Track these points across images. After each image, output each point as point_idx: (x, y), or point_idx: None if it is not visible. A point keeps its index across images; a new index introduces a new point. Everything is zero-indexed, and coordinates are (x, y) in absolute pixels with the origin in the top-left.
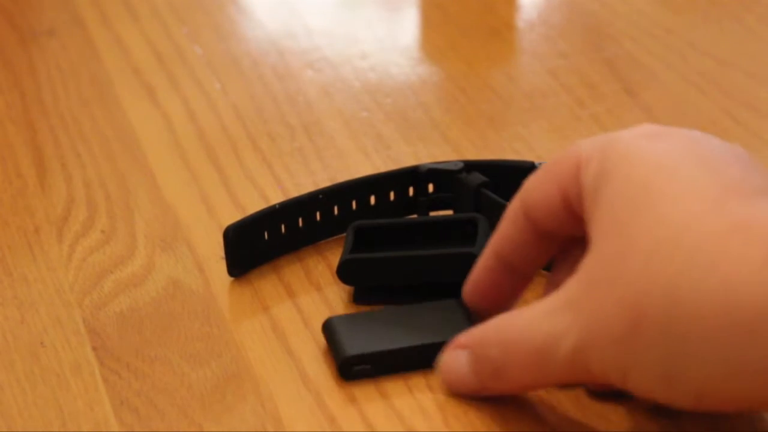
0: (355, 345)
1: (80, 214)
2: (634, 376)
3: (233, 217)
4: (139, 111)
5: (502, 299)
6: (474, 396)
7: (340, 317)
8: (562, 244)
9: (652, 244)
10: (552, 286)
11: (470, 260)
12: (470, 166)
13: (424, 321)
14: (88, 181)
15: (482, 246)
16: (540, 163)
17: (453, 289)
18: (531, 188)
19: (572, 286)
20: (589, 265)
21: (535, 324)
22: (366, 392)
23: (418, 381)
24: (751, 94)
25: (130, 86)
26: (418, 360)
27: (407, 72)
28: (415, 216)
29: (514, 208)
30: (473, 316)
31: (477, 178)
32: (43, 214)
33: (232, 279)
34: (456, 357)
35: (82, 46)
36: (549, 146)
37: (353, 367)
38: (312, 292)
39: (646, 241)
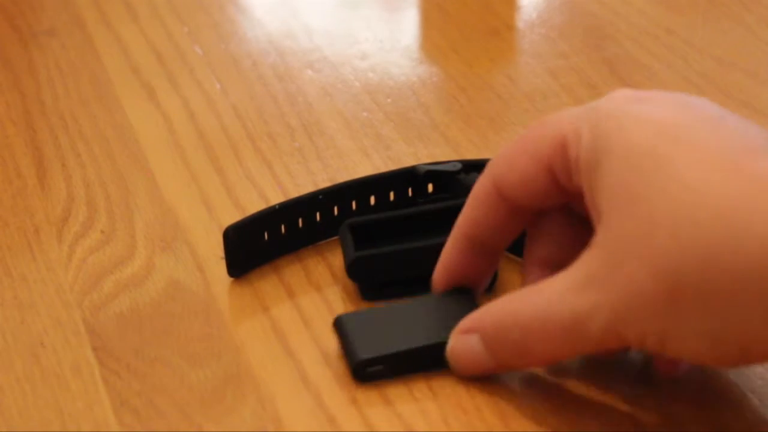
0: (369, 346)
1: (80, 214)
2: (676, 341)
3: (233, 217)
4: (139, 111)
5: (476, 279)
6: (488, 375)
7: (351, 314)
8: (533, 217)
9: (673, 211)
10: (534, 261)
11: None
12: (469, 166)
13: (437, 316)
14: (88, 181)
15: None
16: None
17: None
18: (504, 167)
19: (592, 263)
20: (608, 240)
21: (558, 304)
22: (366, 393)
23: (418, 382)
24: (751, 94)
25: (130, 86)
26: (433, 358)
27: (407, 72)
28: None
29: (483, 188)
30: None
31: (476, 178)
32: (43, 214)
33: (232, 279)
34: (466, 341)
35: (82, 46)
36: None
37: (367, 369)
38: (312, 293)
39: (666, 210)
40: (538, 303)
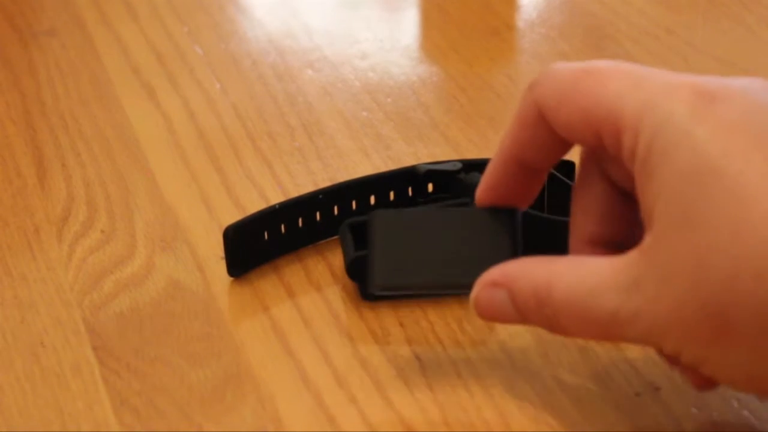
0: (388, 273)
1: (80, 214)
2: (712, 369)
3: (233, 217)
4: (139, 111)
5: (520, 197)
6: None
7: (386, 213)
8: (577, 189)
9: (735, 256)
10: (580, 237)
11: None
12: (469, 165)
13: (471, 242)
14: (88, 181)
15: None
16: None
17: None
18: (553, 103)
19: (640, 269)
20: (660, 253)
21: (601, 298)
22: (366, 392)
23: (418, 381)
24: None
25: (130, 86)
26: (451, 291)
27: (407, 72)
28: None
29: (530, 113)
30: (519, 235)
31: (477, 177)
32: (43, 214)
33: (232, 279)
34: (495, 295)
35: (82, 46)
36: None
37: (383, 292)
38: (312, 292)
39: (728, 252)
40: (578, 290)
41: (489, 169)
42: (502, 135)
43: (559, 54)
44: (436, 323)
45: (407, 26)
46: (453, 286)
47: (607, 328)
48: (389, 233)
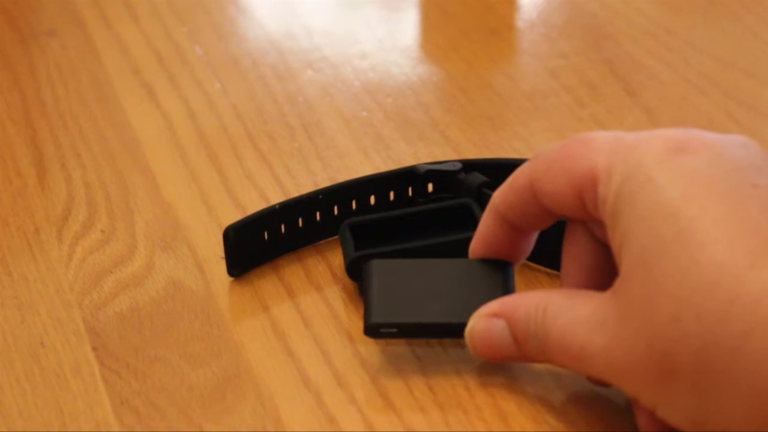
0: (387, 309)
1: (80, 214)
2: (663, 412)
3: (233, 217)
4: (139, 111)
5: (512, 252)
6: (507, 362)
7: (383, 262)
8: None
9: (679, 297)
10: (570, 285)
11: None
12: (469, 166)
13: (466, 286)
14: (88, 181)
15: None
16: None
17: None
18: (542, 171)
19: (608, 309)
20: (621, 296)
21: (575, 330)
22: (366, 392)
23: (418, 381)
24: (751, 94)
25: (130, 86)
26: (449, 333)
27: (407, 72)
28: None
29: (521, 180)
30: (512, 283)
31: (477, 177)
32: (43, 214)
33: (232, 279)
34: (492, 326)
35: (82, 46)
36: (549, 146)
37: (380, 330)
38: (312, 292)
39: (673, 292)
40: (562, 320)
41: (481, 223)
42: (496, 192)
43: (559, 54)
44: None
45: (407, 26)
46: (448, 326)
47: (578, 361)
48: (386, 279)
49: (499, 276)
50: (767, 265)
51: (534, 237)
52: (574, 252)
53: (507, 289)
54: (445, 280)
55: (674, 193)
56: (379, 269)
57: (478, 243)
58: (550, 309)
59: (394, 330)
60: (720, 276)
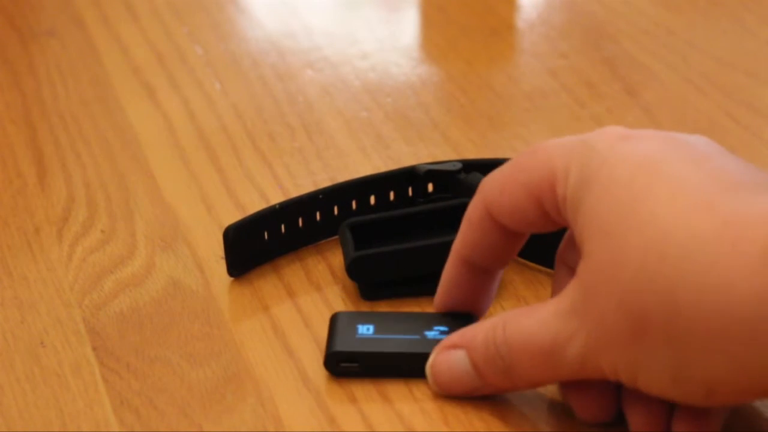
0: (347, 342)
1: (80, 214)
2: (644, 377)
3: (233, 217)
4: (139, 111)
5: (476, 302)
6: (468, 396)
7: (347, 312)
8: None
9: (643, 245)
10: (556, 285)
11: None
12: (469, 166)
13: (429, 330)
14: (88, 181)
15: None
16: None
17: None
18: (496, 192)
19: (574, 291)
20: (584, 271)
21: (544, 326)
22: (366, 392)
23: (418, 381)
24: (751, 94)
25: (130, 86)
26: (411, 368)
27: (407, 72)
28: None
29: (476, 213)
30: None
31: (477, 177)
32: (43, 214)
33: (232, 279)
34: (452, 357)
35: (82, 46)
36: None
37: (340, 363)
38: (312, 292)
39: (636, 243)
40: (526, 324)
41: (443, 277)
42: (454, 243)
43: (559, 54)
44: None
45: (407, 26)
46: (409, 357)
47: (552, 356)
48: (351, 323)
49: (463, 325)
50: (726, 204)
51: (496, 281)
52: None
53: None
54: (407, 326)
55: (628, 167)
56: (344, 318)
57: (443, 295)
58: (510, 324)
59: (355, 365)
60: (679, 220)
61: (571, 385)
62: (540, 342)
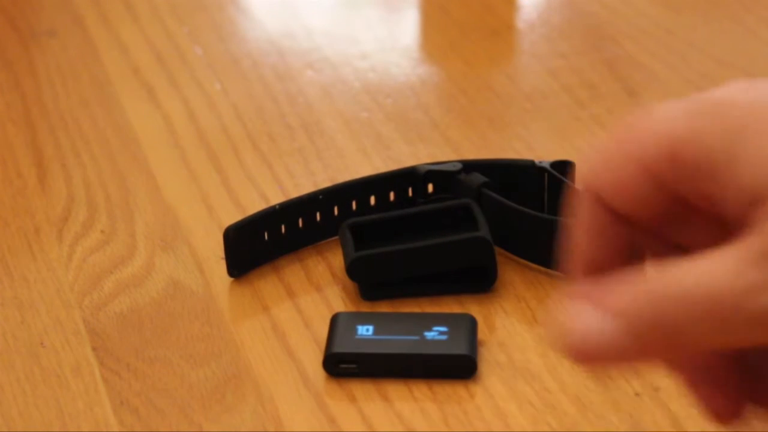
0: (346, 343)
1: (80, 214)
2: None
3: (233, 217)
4: (139, 111)
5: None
6: (614, 366)
7: (347, 313)
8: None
9: None
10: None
11: (480, 244)
12: (469, 166)
13: (425, 332)
14: (88, 181)
15: (485, 228)
16: (540, 162)
17: (460, 276)
18: (601, 168)
19: (763, 239)
20: None
21: (728, 273)
22: (366, 392)
23: (418, 381)
24: None
25: (130, 86)
26: (407, 367)
27: (407, 72)
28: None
29: (582, 209)
30: (475, 338)
31: (477, 178)
32: (43, 214)
33: (232, 279)
34: (587, 321)
35: (82, 46)
36: (549, 146)
37: (340, 364)
38: (312, 292)
39: None
40: (698, 273)
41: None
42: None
43: (559, 54)
44: None
45: (407, 26)
46: (409, 357)
47: (741, 309)
48: (350, 323)
49: (462, 326)
50: None
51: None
52: (593, 227)
53: (471, 343)
54: (408, 329)
55: None
56: (343, 318)
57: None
58: (674, 273)
59: (354, 366)
60: None
61: (699, 378)
62: (726, 292)
